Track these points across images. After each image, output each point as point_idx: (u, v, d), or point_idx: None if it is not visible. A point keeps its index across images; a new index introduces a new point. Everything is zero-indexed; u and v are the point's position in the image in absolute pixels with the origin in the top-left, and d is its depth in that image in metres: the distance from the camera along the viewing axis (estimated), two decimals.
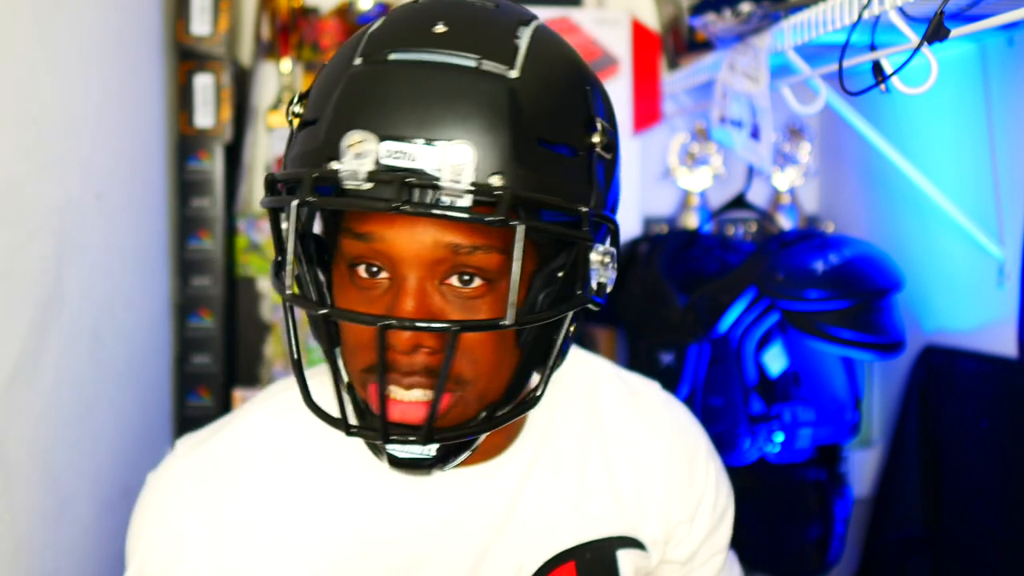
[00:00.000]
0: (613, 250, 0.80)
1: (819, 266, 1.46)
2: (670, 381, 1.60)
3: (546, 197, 0.73)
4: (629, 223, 1.91)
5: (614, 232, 0.81)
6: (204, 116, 1.78)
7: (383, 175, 0.70)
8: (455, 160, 0.70)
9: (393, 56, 0.74)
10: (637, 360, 1.75)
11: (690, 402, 1.61)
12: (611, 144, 0.79)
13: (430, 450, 0.78)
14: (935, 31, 0.99)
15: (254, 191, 1.94)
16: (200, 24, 1.76)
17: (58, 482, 1.26)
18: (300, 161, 0.76)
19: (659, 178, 2.02)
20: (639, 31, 1.93)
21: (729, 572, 1.07)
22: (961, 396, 1.45)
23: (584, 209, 0.75)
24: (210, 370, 1.80)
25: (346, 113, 0.73)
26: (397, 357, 0.75)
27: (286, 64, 1.88)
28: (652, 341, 1.70)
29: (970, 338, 1.48)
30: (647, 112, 1.94)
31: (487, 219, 0.70)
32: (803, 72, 1.38)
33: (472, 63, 0.73)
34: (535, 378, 0.84)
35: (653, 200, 2.00)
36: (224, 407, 1.79)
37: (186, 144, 1.79)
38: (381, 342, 0.72)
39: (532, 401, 0.80)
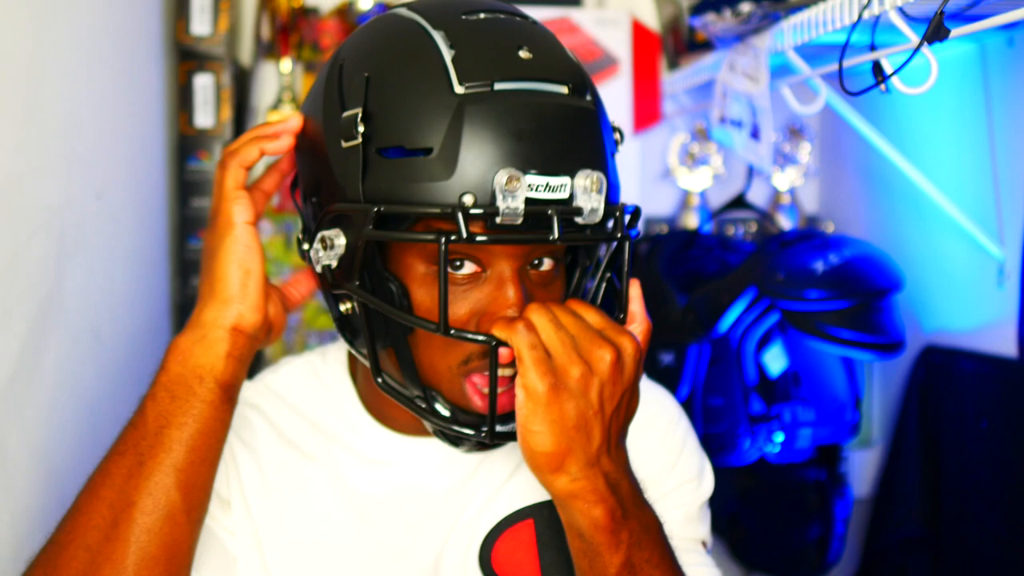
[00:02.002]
0: None
1: (819, 266, 1.46)
2: (670, 381, 1.60)
3: (634, 204, 0.87)
4: None
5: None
6: (204, 116, 1.78)
7: (534, 208, 0.77)
8: (592, 188, 0.78)
9: (501, 86, 0.79)
10: None
11: (690, 402, 1.61)
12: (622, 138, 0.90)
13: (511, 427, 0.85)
14: (935, 31, 0.99)
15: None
16: (200, 24, 1.76)
17: (58, 482, 1.26)
18: (426, 193, 0.78)
19: (659, 178, 2.02)
20: (639, 31, 1.93)
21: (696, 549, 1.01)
22: (961, 396, 1.45)
23: (638, 205, 0.88)
24: None
25: (478, 148, 0.77)
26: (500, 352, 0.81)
27: (286, 64, 1.88)
28: (652, 341, 1.70)
29: (970, 338, 1.48)
30: (647, 112, 1.94)
31: (619, 235, 0.83)
32: (803, 72, 1.38)
33: (564, 90, 0.81)
34: None
35: (653, 200, 2.00)
36: None
37: (186, 144, 1.79)
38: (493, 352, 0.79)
39: None
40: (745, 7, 1.34)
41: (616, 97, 1.89)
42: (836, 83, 1.15)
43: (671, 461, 0.99)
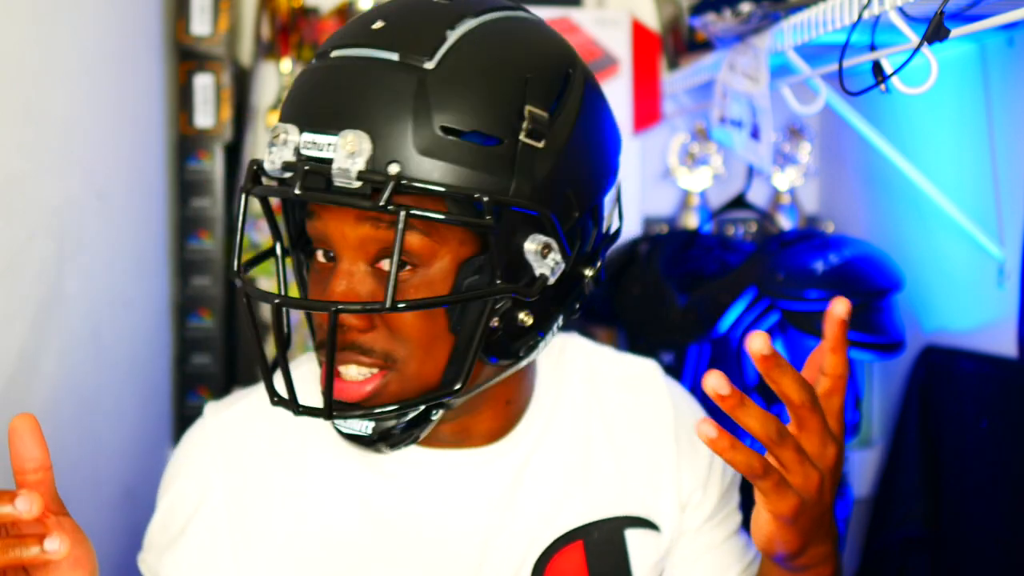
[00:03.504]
0: (551, 240, 0.80)
1: (819, 266, 1.46)
2: None
3: (430, 185, 0.74)
4: (629, 223, 1.91)
5: (582, 221, 0.83)
6: (204, 116, 1.78)
7: (294, 164, 0.76)
8: (351, 149, 0.74)
9: (335, 53, 0.80)
10: None
11: None
12: (540, 132, 0.78)
13: (367, 428, 0.82)
14: (935, 31, 0.99)
15: None
16: (200, 24, 1.76)
17: (58, 482, 1.25)
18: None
19: (659, 178, 2.02)
20: (639, 31, 1.93)
21: (744, 542, 1.05)
22: (961, 396, 1.44)
23: (486, 199, 0.75)
24: (210, 370, 1.80)
25: (285, 108, 0.81)
26: (337, 336, 0.79)
27: (286, 64, 1.88)
28: (652, 341, 1.70)
29: (970, 338, 1.48)
30: (647, 112, 1.94)
31: (364, 204, 0.74)
32: (803, 72, 1.38)
33: (395, 57, 0.77)
34: (489, 369, 0.85)
35: (653, 200, 2.00)
36: None
37: (186, 144, 1.79)
38: (310, 323, 0.84)
39: (445, 393, 0.82)
40: (745, 7, 1.34)
41: (616, 97, 1.89)
42: (836, 83, 1.15)
43: (721, 460, 1.01)
